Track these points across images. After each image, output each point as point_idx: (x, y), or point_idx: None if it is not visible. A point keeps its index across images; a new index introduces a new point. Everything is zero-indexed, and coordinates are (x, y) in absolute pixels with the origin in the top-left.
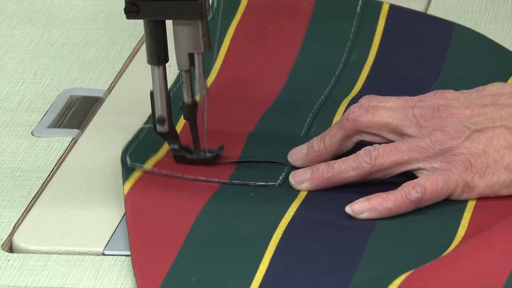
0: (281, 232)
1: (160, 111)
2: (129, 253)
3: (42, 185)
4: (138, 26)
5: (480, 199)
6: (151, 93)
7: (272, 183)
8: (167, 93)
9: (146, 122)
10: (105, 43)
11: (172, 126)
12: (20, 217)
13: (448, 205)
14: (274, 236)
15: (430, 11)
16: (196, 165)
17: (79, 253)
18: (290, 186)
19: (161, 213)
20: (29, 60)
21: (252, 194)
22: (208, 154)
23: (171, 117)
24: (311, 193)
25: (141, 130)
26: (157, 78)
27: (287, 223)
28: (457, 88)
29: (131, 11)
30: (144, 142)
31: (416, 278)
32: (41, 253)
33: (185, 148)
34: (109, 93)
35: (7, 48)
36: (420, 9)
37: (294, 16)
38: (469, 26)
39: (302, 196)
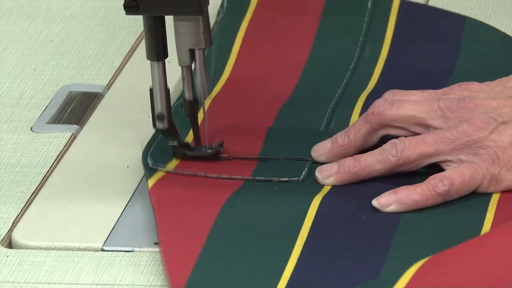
0: (308, 229)
1: (160, 108)
2: (127, 249)
3: (42, 181)
4: (137, 22)
5: (505, 192)
6: (151, 90)
7: (295, 178)
8: (167, 89)
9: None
10: (104, 39)
11: (171, 123)
12: (19, 213)
13: (472, 198)
14: (301, 233)
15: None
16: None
17: (78, 249)
18: (314, 181)
19: (186, 206)
20: (29, 56)
21: (276, 188)
22: (209, 151)
23: (170, 114)
24: (335, 186)
25: (157, 131)
26: (157, 74)
27: (313, 217)
28: (472, 81)
29: (130, 7)
30: (163, 143)
31: (439, 263)
32: (40, 249)
33: (184, 145)
34: (109, 89)
35: (6, 44)
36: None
37: (305, 13)
38: None
39: (326, 189)
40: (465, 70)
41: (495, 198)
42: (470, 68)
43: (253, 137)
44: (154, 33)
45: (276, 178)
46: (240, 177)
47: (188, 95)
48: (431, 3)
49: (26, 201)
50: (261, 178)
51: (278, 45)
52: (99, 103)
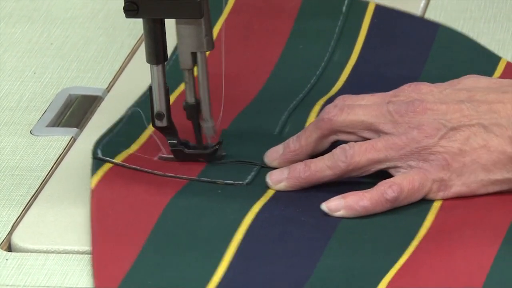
0: (243, 232)
1: (159, 106)
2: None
3: (41, 184)
4: (137, 25)
5: (447, 200)
6: (150, 88)
7: (240, 182)
8: (166, 88)
9: (123, 116)
10: (104, 41)
11: (170, 121)
12: (18, 216)
13: (413, 207)
14: (235, 237)
15: (430, 10)
16: (193, 160)
17: (78, 252)
18: (259, 185)
19: (126, 209)
20: (28, 58)
21: (219, 191)
22: (206, 149)
23: (169, 113)
24: (279, 192)
25: (116, 124)
26: (156, 77)
27: (250, 221)
28: None
29: (130, 10)
30: (118, 136)
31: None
32: (40, 252)
33: (183, 143)
34: (108, 92)
35: (6, 47)
36: (420, 8)
37: (280, 16)
38: (468, 25)
39: (269, 194)
40: (431, 76)
41: (435, 207)
42: (436, 75)
43: (207, 140)
44: (153, 36)
45: (221, 180)
46: (185, 176)
47: (189, 99)
48: (431, 7)
49: (25, 204)
50: (206, 179)
51: (250, 47)
52: (98, 106)
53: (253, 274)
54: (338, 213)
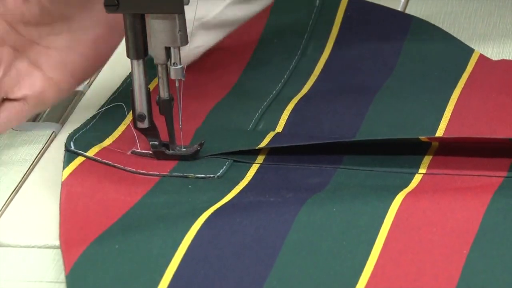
0: (211, 212)
1: (140, 108)
2: None
3: (22, 179)
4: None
5: (407, 195)
6: (131, 91)
7: (211, 175)
8: (147, 90)
9: (99, 110)
10: None
11: (152, 123)
12: None
13: (381, 189)
14: (203, 214)
15: (411, 5)
16: (173, 160)
17: (59, 247)
18: (230, 179)
19: (95, 204)
20: None
21: (190, 187)
22: (184, 149)
23: (151, 114)
24: (251, 183)
25: (92, 118)
26: (137, 72)
27: (218, 206)
28: (409, 81)
29: (111, 5)
30: (92, 130)
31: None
32: (21, 246)
33: (165, 144)
34: (89, 86)
35: None
36: (401, 2)
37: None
38: (449, 20)
39: (241, 186)
40: (405, 69)
41: (397, 200)
42: (410, 68)
43: (181, 138)
44: (134, 31)
45: (192, 175)
46: (157, 173)
47: (163, 94)
48: (411, 2)
49: (6, 199)
50: (178, 174)
51: (223, 42)
52: (79, 101)
53: (220, 245)
54: None
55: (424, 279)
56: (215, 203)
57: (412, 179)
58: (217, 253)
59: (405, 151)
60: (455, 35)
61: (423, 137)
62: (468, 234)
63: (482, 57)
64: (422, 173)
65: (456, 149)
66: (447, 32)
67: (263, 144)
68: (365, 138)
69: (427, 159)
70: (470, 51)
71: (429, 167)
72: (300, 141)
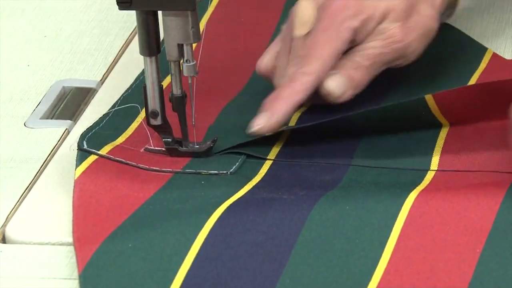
0: (224, 208)
1: (153, 105)
2: None
3: (35, 176)
4: (131, 17)
5: (421, 192)
6: (144, 87)
7: (224, 172)
8: (160, 86)
9: (112, 108)
10: (98, 34)
11: (165, 119)
12: (12, 208)
13: (393, 187)
14: (216, 211)
15: None
16: (186, 157)
17: (72, 244)
18: (244, 175)
19: (108, 201)
20: (22, 51)
21: (203, 182)
22: (197, 146)
23: (164, 110)
24: (264, 179)
25: (104, 116)
26: (149, 69)
27: (231, 202)
28: (422, 82)
29: (123, 2)
30: (104, 128)
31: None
32: (34, 244)
33: (177, 141)
34: (102, 84)
35: None
36: None
37: (266, 7)
38: (461, 16)
39: (253, 182)
40: (417, 69)
41: (410, 198)
42: (423, 67)
43: (193, 136)
44: (146, 28)
45: (205, 171)
46: (170, 170)
47: (176, 90)
48: None
49: (19, 196)
50: (191, 170)
51: (236, 40)
52: (92, 98)
53: (232, 244)
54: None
55: (437, 277)
56: (228, 198)
57: (425, 175)
58: (230, 252)
59: (416, 139)
60: (467, 32)
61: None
62: (482, 233)
63: (495, 55)
64: (434, 170)
65: (467, 142)
66: (460, 30)
67: (291, 122)
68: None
69: (436, 156)
70: (484, 49)
71: (440, 163)
72: (323, 118)
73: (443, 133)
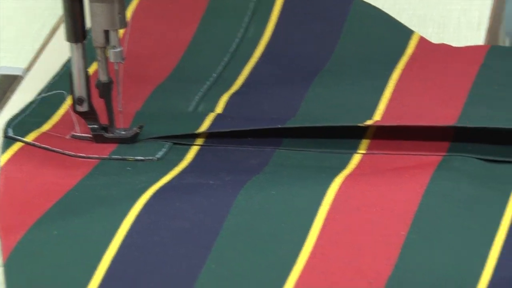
0: (150, 194)
1: (79, 91)
2: None
3: None
4: (58, 4)
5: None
6: (70, 74)
7: (151, 158)
8: (86, 73)
9: (38, 95)
10: (25, 21)
11: (91, 106)
12: None
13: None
14: (142, 197)
15: None
16: (113, 143)
17: None
18: (170, 161)
19: (34, 188)
20: None
21: (129, 169)
22: (123, 132)
23: (90, 97)
24: (191, 165)
25: (30, 103)
26: (76, 56)
27: (157, 187)
28: (349, 64)
29: None
30: (31, 116)
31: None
32: None
33: (104, 127)
34: (28, 71)
35: None
36: None
37: None
38: (389, 1)
39: (180, 167)
40: (345, 52)
41: (336, 184)
42: (351, 50)
43: (120, 122)
44: (72, 14)
45: (131, 157)
46: (96, 156)
47: (102, 77)
48: None
49: None
50: (117, 156)
51: (164, 26)
52: (18, 85)
53: (158, 230)
54: None
55: (363, 259)
56: (154, 183)
57: (350, 159)
58: (156, 239)
59: (344, 134)
60: (395, 16)
61: (362, 124)
62: (407, 215)
63: (422, 40)
64: (361, 153)
65: (395, 131)
66: (387, 14)
67: (203, 127)
68: (305, 125)
69: (365, 142)
70: (410, 32)
71: (368, 148)
72: (239, 125)
73: (376, 117)
